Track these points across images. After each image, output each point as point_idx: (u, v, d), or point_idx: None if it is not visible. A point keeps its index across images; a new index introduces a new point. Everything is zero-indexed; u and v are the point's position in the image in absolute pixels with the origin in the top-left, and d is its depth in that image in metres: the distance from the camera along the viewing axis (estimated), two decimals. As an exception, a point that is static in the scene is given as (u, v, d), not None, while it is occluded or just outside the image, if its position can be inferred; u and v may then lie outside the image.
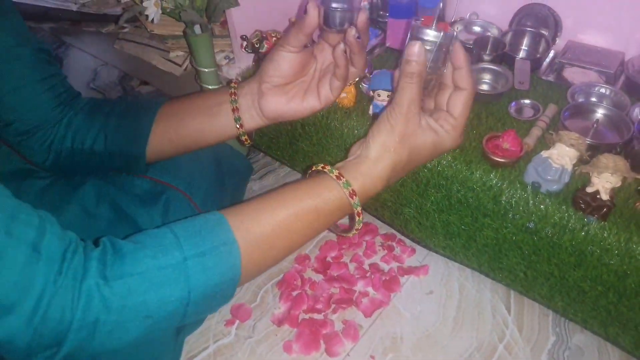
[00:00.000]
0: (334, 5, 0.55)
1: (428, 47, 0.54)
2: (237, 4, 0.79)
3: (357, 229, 0.59)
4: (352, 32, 0.58)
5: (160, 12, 0.73)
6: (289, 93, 0.65)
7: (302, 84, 0.65)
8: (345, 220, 0.67)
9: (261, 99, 0.64)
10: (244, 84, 0.66)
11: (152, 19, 0.72)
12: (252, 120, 0.66)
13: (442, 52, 0.54)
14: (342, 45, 0.59)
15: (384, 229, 0.88)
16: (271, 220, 0.53)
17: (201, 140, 0.68)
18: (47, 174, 0.71)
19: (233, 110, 0.65)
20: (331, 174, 0.55)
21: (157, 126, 0.67)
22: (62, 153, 0.68)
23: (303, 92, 0.65)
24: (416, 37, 0.54)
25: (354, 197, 0.55)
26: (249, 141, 0.69)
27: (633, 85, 0.79)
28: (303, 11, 0.58)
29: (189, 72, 1.03)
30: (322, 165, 0.56)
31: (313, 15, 0.57)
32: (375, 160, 0.56)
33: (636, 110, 0.73)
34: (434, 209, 0.76)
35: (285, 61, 0.62)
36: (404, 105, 0.55)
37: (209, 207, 0.76)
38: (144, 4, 0.72)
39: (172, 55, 1.04)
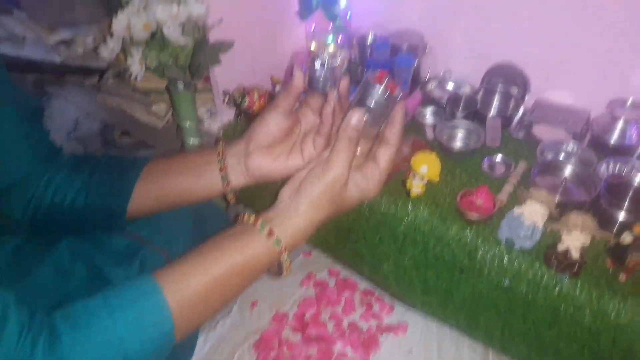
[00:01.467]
0: (318, 70, 0.59)
1: (372, 100, 0.57)
2: (220, 62, 0.81)
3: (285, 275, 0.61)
4: (334, 94, 0.60)
5: (144, 70, 0.74)
6: (273, 153, 0.67)
7: (287, 144, 0.68)
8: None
9: (248, 158, 0.66)
10: (231, 144, 0.68)
11: (136, 77, 0.74)
12: (238, 179, 0.67)
13: (384, 109, 0.58)
14: (331, 105, 0.61)
15: (363, 283, 0.88)
16: (203, 279, 0.54)
17: (186, 198, 0.69)
18: (22, 231, 0.70)
19: (220, 169, 0.66)
20: (263, 230, 0.57)
21: (141, 182, 0.68)
22: (41, 209, 0.68)
23: (288, 151, 0.67)
24: (365, 89, 0.57)
25: (284, 253, 0.57)
26: (234, 200, 0.70)
27: (598, 143, 0.82)
28: (289, 74, 0.62)
29: (171, 125, 1.05)
30: (254, 217, 0.58)
31: (299, 78, 0.60)
32: (303, 215, 0.58)
33: (602, 167, 0.77)
34: (411, 264, 0.77)
35: (274, 122, 0.64)
36: (338, 169, 0.58)
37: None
38: (128, 62, 0.74)
39: (154, 108, 1.06)
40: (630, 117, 0.79)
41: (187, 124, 0.88)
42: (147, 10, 0.72)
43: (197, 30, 0.77)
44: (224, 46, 0.79)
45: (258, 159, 0.65)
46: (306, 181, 0.59)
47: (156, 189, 0.68)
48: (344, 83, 0.61)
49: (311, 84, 0.61)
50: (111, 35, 0.73)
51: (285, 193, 0.61)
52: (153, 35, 0.74)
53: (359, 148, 0.60)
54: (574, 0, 0.82)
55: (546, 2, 0.84)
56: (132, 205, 0.68)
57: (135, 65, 0.73)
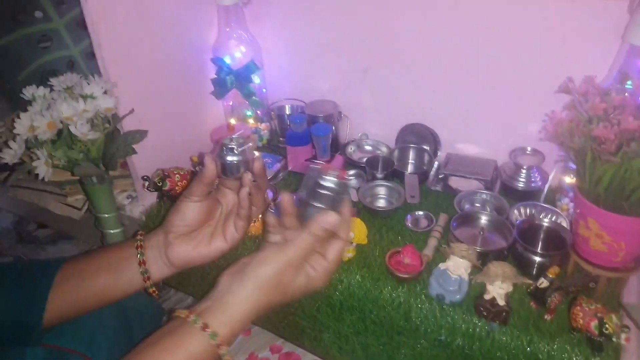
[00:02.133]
0: (228, 159, 0.59)
1: (323, 191, 0.57)
2: (135, 152, 0.80)
3: None
4: (248, 177, 0.61)
5: (51, 170, 0.71)
6: (195, 239, 0.65)
7: (208, 228, 0.67)
8: None
9: (168, 248, 0.64)
10: (150, 236, 0.66)
11: (43, 178, 0.70)
12: (159, 271, 0.65)
13: (338, 197, 0.57)
14: (246, 189, 0.61)
15: (307, 357, 0.86)
16: None
17: (106, 298, 0.66)
18: None
19: (140, 263, 0.64)
20: (196, 325, 0.53)
21: (56, 290, 0.64)
22: None
23: (209, 236, 0.66)
24: (314, 180, 0.57)
25: (222, 347, 0.53)
26: (156, 292, 0.67)
27: (508, 189, 0.88)
28: (201, 164, 0.61)
29: (90, 214, 1.00)
30: (186, 312, 0.54)
31: (211, 168, 0.60)
32: (245, 300, 0.55)
33: (514, 212, 0.82)
34: (351, 332, 0.76)
35: (190, 211, 0.63)
36: (294, 257, 0.56)
37: (115, 365, 0.71)
38: (34, 163, 0.70)
39: (70, 199, 1.01)
40: (532, 164, 0.86)
41: (106, 215, 0.84)
42: (51, 110, 0.70)
43: (108, 122, 0.75)
44: (138, 136, 0.78)
45: (179, 248, 0.64)
46: (252, 263, 0.57)
47: (72, 295, 0.65)
48: (258, 164, 0.62)
49: (224, 171, 0.61)
50: (14, 137, 0.70)
51: (226, 278, 0.58)
52: (60, 133, 0.71)
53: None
54: (469, 67, 0.89)
55: (445, 66, 0.92)
56: (47, 314, 0.64)
57: (42, 166, 0.70)
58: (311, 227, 0.57)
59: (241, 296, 0.55)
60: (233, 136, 0.60)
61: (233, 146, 0.59)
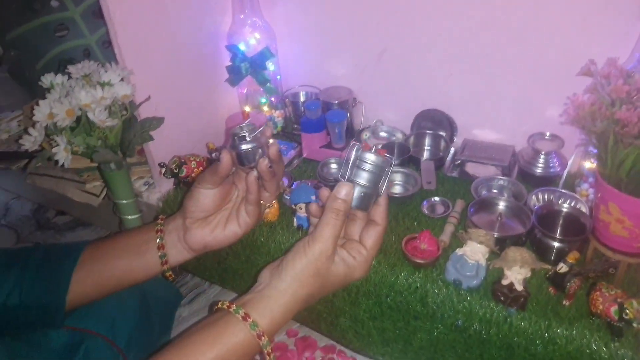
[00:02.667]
0: (242, 147, 0.58)
1: (367, 168, 0.56)
2: (152, 139, 0.81)
3: None
4: (264, 163, 0.61)
5: (70, 156, 0.72)
6: (211, 224, 0.66)
7: (225, 212, 0.67)
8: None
9: (186, 233, 0.65)
10: (169, 220, 0.67)
11: (63, 164, 0.71)
12: (179, 254, 0.66)
13: (380, 176, 0.56)
14: (254, 173, 0.61)
15: (323, 340, 0.87)
16: None
17: (127, 280, 0.67)
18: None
19: (158, 247, 0.65)
20: (237, 315, 0.53)
21: (79, 271, 0.66)
22: None
23: (225, 220, 0.67)
24: (356, 158, 0.56)
25: (263, 337, 0.53)
26: (172, 276, 0.68)
27: (526, 175, 0.87)
28: (217, 157, 0.61)
29: (108, 201, 1.01)
30: (228, 303, 0.55)
31: (227, 161, 0.60)
32: (284, 292, 0.55)
33: (532, 198, 0.81)
34: (367, 316, 0.76)
35: (204, 197, 0.64)
36: (325, 242, 0.55)
37: (134, 348, 0.73)
38: (53, 150, 0.71)
39: (88, 186, 1.02)
40: (551, 149, 0.85)
41: (124, 201, 0.85)
42: (69, 97, 0.70)
43: (125, 109, 0.76)
44: (155, 123, 0.79)
45: (196, 232, 0.65)
46: (288, 256, 0.57)
47: (95, 276, 0.67)
48: (274, 149, 0.62)
49: (240, 161, 0.61)
50: (33, 124, 0.71)
51: (265, 273, 0.58)
52: (78, 120, 0.72)
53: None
54: (487, 50, 0.88)
55: (461, 51, 0.91)
56: (70, 296, 0.65)
57: (61, 152, 0.71)
58: (329, 204, 0.56)
59: (280, 289, 0.55)
60: (242, 125, 0.60)
61: (245, 134, 0.58)
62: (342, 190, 0.56)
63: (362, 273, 0.59)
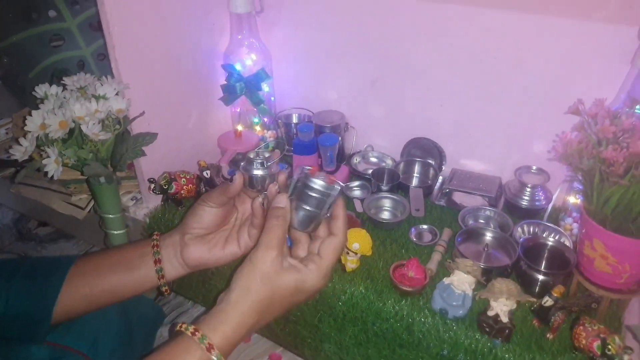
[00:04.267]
0: (255, 172, 0.60)
1: (312, 194, 0.58)
2: (144, 154, 0.80)
3: None
4: (274, 188, 0.61)
5: (61, 168, 0.72)
6: (210, 242, 0.66)
7: (224, 232, 0.68)
8: None
9: (184, 249, 0.65)
10: (166, 236, 0.67)
11: (52, 176, 0.71)
12: (174, 270, 0.66)
13: (326, 199, 0.58)
14: (259, 198, 0.62)
15: (306, 366, 0.86)
16: None
17: (118, 294, 0.67)
18: None
19: (155, 261, 0.65)
20: (187, 332, 0.52)
21: (68, 284, 0.65)
22: None
23: (224, 240, 0.67)
24: (303, 182, 0.58)
25: (213, 350, 0.52)
26: (169, 291, 0.68)
27: (512, 207, 0.89)
28: (228, 160, 0.61)
29: (94, 214, 1.00)
30: (181, 323, 0.54)
31: (239, 184, 0.61)
32: (235, 303, 0.54)
33: (518, 230, 0.82)
34: (352, 343, 0.76)
35: (207, 215, 0.65)
36: (267, 245, 0.56)
37: (115, 366, 0.71)
38: (44, 161, 0.71)
39: (74, 199, 1.01)
40: (537, 183, 0.87)
41: (111, 215, 0.84)
42: (63, 108, 0.70)
43: (118, 123, 0.76)
44: (148, 138, 0.79)
45: (194, 249, 0.65)
46: (236, 272, 0.57)
47: (85, 290, 0.66)
48: (282, 177, 0.63)
49: (251, 184, 0.62)
50: (24, 134, 0.70)
51: (221, 294, 0.58)
52: (71, 132, 0.72)
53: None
54: (478, 83, 0.90)
55: (454, 83, 0.93)
56: (58, 308, 0.64)
57: (51, 164, 0.70)
58: (270, 213, 0.58)
59: (230, 300, 0.55)
60: (258, 150, 0.62)
61: (261, 161, 0.60)
62: (280, 200, 0.58)
63: (316, 282, 0.58)
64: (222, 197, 0.63)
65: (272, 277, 0.56)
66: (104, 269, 0.66)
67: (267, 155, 0.62)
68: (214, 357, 0.52)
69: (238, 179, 0.61)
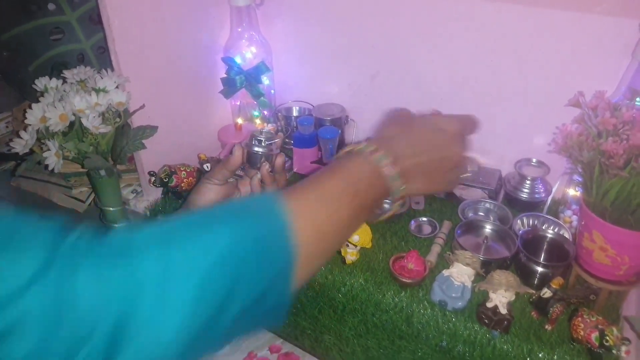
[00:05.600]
0: (254, 149, 0.61)
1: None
2: (144, 147, 0.80)
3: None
4: (266, 167, 0.62)
5: (61, 161, 0.72)
6: None
7: None
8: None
9: None
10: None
11: (53, 169, 0.71)
12: None
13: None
14: (258, 176, 0.63)
15: (306, 357, 0.86)
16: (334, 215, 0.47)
17: None
18: None
19: None
20: (360, 147, 0.51)
21: None
22: None
23: None
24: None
25: (377, 153, 0.51)
26: None
27: (511, 199, 0.89)
28: (228, 152, 0.62)
29: (93, 207, 1.00)
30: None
31: (238, 156, 0.62)
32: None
33: (518, 222, 0.83)
34: (352, 334, 0.76)
35: (210, 192, 0.65)
36: None
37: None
38: (44, 154, 0.71)
39: (74, 192, 1.01)
40: (537, 175, 0.87)
41: (111, 209, 0.85)
42: (63, 101, 0.70)
43: (119, 116, 0.76)
44: (148, 131, 0.79)
45: None
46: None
47: None
48: (279, 160, 0.63)
49: (249, 160, 0.63)
50: (25, 127, 0.70)
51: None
52: (71, 125, 0.72)
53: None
54: (479, 76, 0.90)
55: (454, 76, 0.93)
56: None
57: (52, 157, 0.70)
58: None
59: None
60: (263, 129, 0.63)
61: (261, 138, 0.61)
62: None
63: (452, 126, 0.60)
64: (224, 171, 0.63)
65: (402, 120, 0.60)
66: None
67: (269, 135, 0.63)
68: (390, 172, 0.51)
69: (237, 150, 0.62)
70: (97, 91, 0.73)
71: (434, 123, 0.60)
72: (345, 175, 0.50)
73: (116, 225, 0.88)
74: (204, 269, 0.37)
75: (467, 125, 0.62)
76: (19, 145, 0.71)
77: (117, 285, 0.34)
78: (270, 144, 0.62)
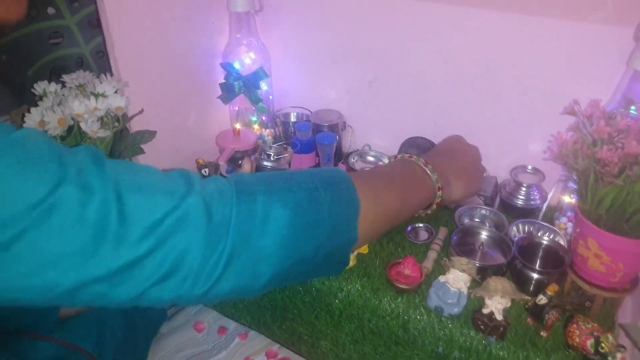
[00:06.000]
0: (264, 163, 0.62)
1: None
2: (143, 152, 0.81)
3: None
4: None
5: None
6: None
7: None
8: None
9: None
10: None
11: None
12: None
13: None
14: None
15: (302, 363, 0.87)
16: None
17: None
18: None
19: None
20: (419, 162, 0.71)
21: None
22: None
23: None
24: None
25: (428, 167, 0.71)
26: None
27: (507, 206, 0.90)
28: (227, 157, 0.64)
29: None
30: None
31: (247, 170, 0.62)
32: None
33: (513, 229, 0.83)
34: (348, 340, 0.77)
35: None
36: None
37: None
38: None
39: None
40: (532, 182, 0.88)
41: (109, 213, 0.84)
42: (62, 106, 0.70)
43: (117, 121, 0.76)
44: (147, 136, 0.79)
45: None
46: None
47: None
48: None
49: (258, 171, 0.63)
50: (24, 131, 0.70)
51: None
52: (69, 129, 0.72)
53: None
54: (475, 83, 0.91)
55: (450, 83, 0.93)
56: None
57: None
58: None
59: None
60: (273, 145, 0.65)
61: (270, 153, 0.62)
62: None
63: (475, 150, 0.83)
64: None
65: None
66: None
67: (279, 150, 0.64)
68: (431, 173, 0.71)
69: (246, 164, 0.63)
70: (96, 96, 0.74)
71: (463, 144, 0.83)
72: (398, 171, 0.67)
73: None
74: (293, 207, 0.49)
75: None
76: (18, 149, 0.70)
77: (237, 215, 0.46)
78: (279, 158, 0.64)
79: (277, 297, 0.81)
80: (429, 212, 0.74)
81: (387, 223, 0.63)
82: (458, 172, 0.75)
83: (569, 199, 0.83)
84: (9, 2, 0.53)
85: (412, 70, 0.96)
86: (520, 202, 0.88)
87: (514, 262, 0.75)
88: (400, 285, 0.73)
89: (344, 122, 1.05)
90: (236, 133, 1.05)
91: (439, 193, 0.70)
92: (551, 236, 0.80)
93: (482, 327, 0.67)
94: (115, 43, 0.79)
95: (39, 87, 0.76)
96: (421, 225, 0.87)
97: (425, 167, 0.70)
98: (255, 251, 0.46)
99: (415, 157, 0.70)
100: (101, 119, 0.74)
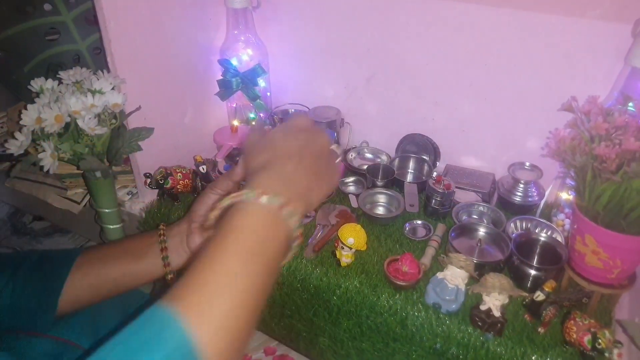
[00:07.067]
0: None
1: None
2: (140, 149, 0.80)
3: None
4: None
5: (57, 163, 0.72)
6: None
7: None
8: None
9: (189, 237, 0.66)
10: (173, 225, 0.68)
11: (48, 170, 0.71)
12: (179, 258, 0.67)
13: None
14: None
15: (301, 359, 0.87)
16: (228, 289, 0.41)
17: (124, 283, 0.68)
18: None
19: (161, 249, 0.66)
20: (251, 194, 0.45)
21: (74, 274, 0.66)
22: None
23: None
24: None
25: (285, 208, 0.46)
26: (174, 278, 0.68)
27: (505, 203, 0.90)
28: (224, 154, 0.62)
29: (88, 209, 1.00)
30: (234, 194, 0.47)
31: (242, 167, 0.62)
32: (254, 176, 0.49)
33: (511, 225, 0.83)
34: (347, 336, 0.77)
35: (212, 202, 0.66)
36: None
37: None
38: (40, 155, 0.70)
39: (69, 193, 1.01)
40: (530, 179, 0.88)
41: (106, 210, 0.84)
42: (59, 103, 0.70)
43: (114, 118, 0.76)
44: (144, 133, 0.79)
45: (199, 237, 0.66)
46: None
47: (91, 279, 0.66)
48: None
49: None
50: (20, 128, 0.70)
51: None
52: (67, 126, 0.72)
53: None
54: (473, 80, 0.91)
55: (448, 80, 0.93)
56: (63, 298, 0.65)
57: (47, 158, 0.70)
58: None
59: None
60: None
61: None
62: None
63: (298, 120, 0.55)
64: (227, 182, 0.64)
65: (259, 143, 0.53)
66: (110, 258, 0.67)
67: None
68: (289, 215, 0.46)
69: (241, 162, 0.62)
70: (93, 92, 0.73)
71: (284, 127, 0.55)
72: (240, 243, 0.42)
73: (111, 227, 0.88)
74: None
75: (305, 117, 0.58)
76: (14, 147, 0.70)
77: None
78: None
79: (275, 294, 0.81)
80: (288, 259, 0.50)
81: (252, 318, 0.43)
82: (309, 177, 0.51)
83: (566, 196, 0.83)
84: None
85: (410, 66, 0.96)
86: (518, 199, 0.88)
87: (511, 259, 0.75)
88: (398, 282, 0.73)
89: (342, 119, 1.05)
90: (234, 130, 1.05)
91: (296, 224, 0.47)
92: (549, 233, 0.81)
93: (479, 323, 0.67)
94: (112, 39, 0.78)
95: (36, 84, 0.76)
96: (419, 222, 0.87)
97: (269, 205, 0.45)
98: None
99: (245, 192, 0.45)
100: (98, 115, 0.74)
